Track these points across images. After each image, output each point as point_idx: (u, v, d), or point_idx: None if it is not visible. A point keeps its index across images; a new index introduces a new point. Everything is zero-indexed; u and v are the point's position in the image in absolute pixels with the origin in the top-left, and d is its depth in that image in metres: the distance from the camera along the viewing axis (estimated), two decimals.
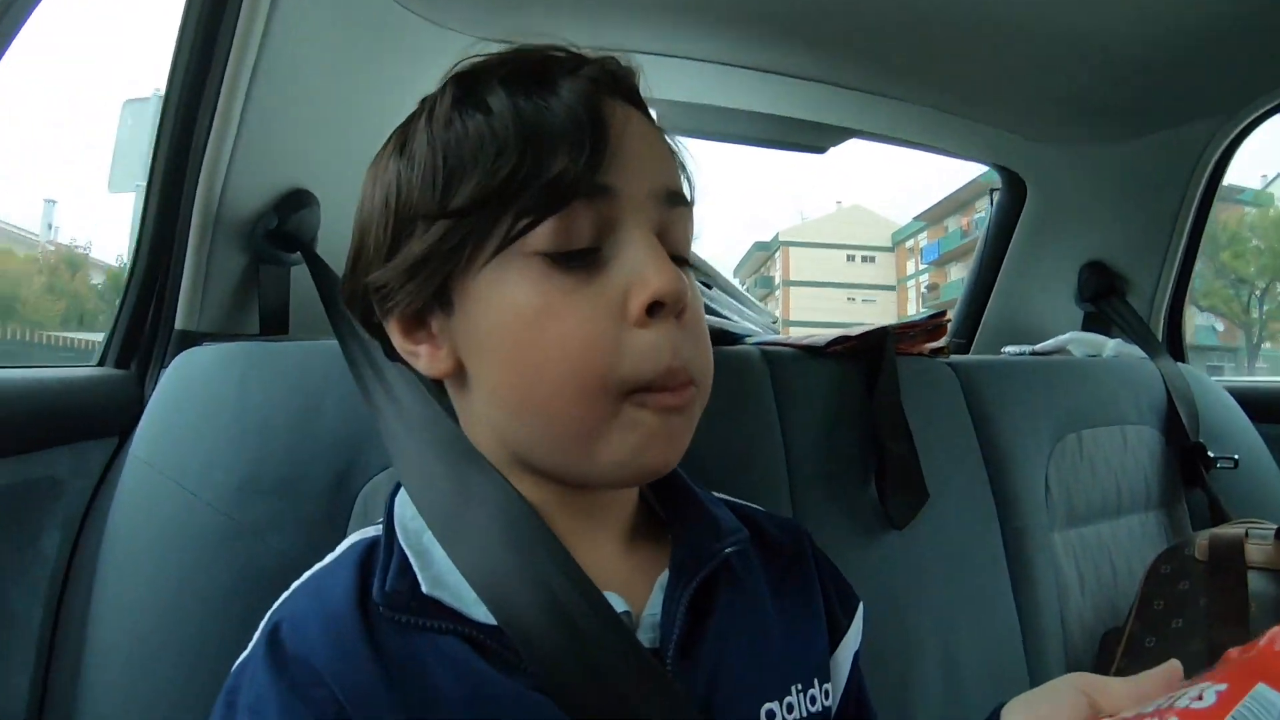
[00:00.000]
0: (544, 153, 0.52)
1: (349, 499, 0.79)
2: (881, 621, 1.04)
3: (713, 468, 0.98)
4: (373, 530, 0.61)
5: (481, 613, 0.53)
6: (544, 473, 0.58)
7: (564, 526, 0.58)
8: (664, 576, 0.59)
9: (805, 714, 0.62)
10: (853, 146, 1.65)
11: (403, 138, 0.58)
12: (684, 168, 0.60)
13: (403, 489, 0.61)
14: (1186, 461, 1.48)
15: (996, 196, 1.83)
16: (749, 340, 1.22)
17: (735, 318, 1.27)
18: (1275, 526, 1.19)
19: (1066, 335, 1.61)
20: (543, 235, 0.52)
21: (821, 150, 1.73)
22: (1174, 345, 1.82)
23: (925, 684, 1.06)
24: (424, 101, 0.59)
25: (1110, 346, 1.62)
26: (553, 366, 0.52)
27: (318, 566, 0.59)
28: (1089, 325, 1.75)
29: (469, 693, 0.51)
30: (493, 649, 0.53)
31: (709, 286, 1.28)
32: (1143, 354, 1.64)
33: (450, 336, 0.57)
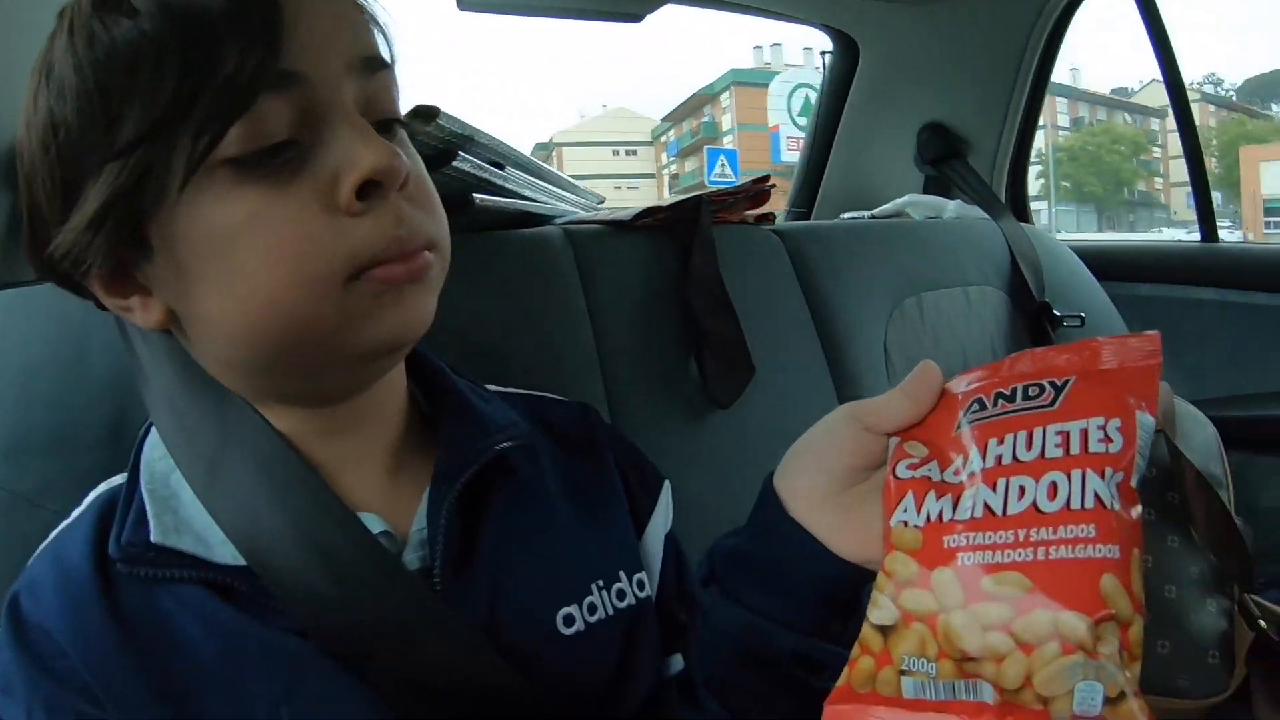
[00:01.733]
0: (210, 50, 0.47)
1: (128, 447, 0.73)
2: (713, 505, 1.03)
3: (515, 361, 0.95)
4: (119, 477, 0.59)
5: (229, 554, 0.52)
6: (292, 396, 0.56)
7: (323, 454, 0.57)
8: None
9: (612, 611, 0.61)
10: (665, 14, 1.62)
11: (47, 64, 0.52)
12: (377, 23, 0.56)
13: (153, 428, 0.59)
14: (1032, 321, 1.54)
15: (828, 60, 1.84)
16: (555, 221, 1.18)
17: (543, 198, 1.23)
18: None
19: (904, 198, 1.64)
20: (231, 142, 0.48)
21: (638, 18, 1.69)
22: (1016, 206, 1.88)
23: None
24: (61, 14, 0.52)
25: (951, 208, 1.66)
26: (269, 280, 0.49)
27: (61, 526, 0.58)
28: (930, 188, 1.79)
29: (220, 644, 0.51)
30: (244, 593, 0.52)
31: (500, 166, 1.23)
32: (984, 215, 1.68)
33: (160, 283, 0.53)
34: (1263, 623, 1.05)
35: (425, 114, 0.86)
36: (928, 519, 0.44)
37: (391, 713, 0.52)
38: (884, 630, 0.43)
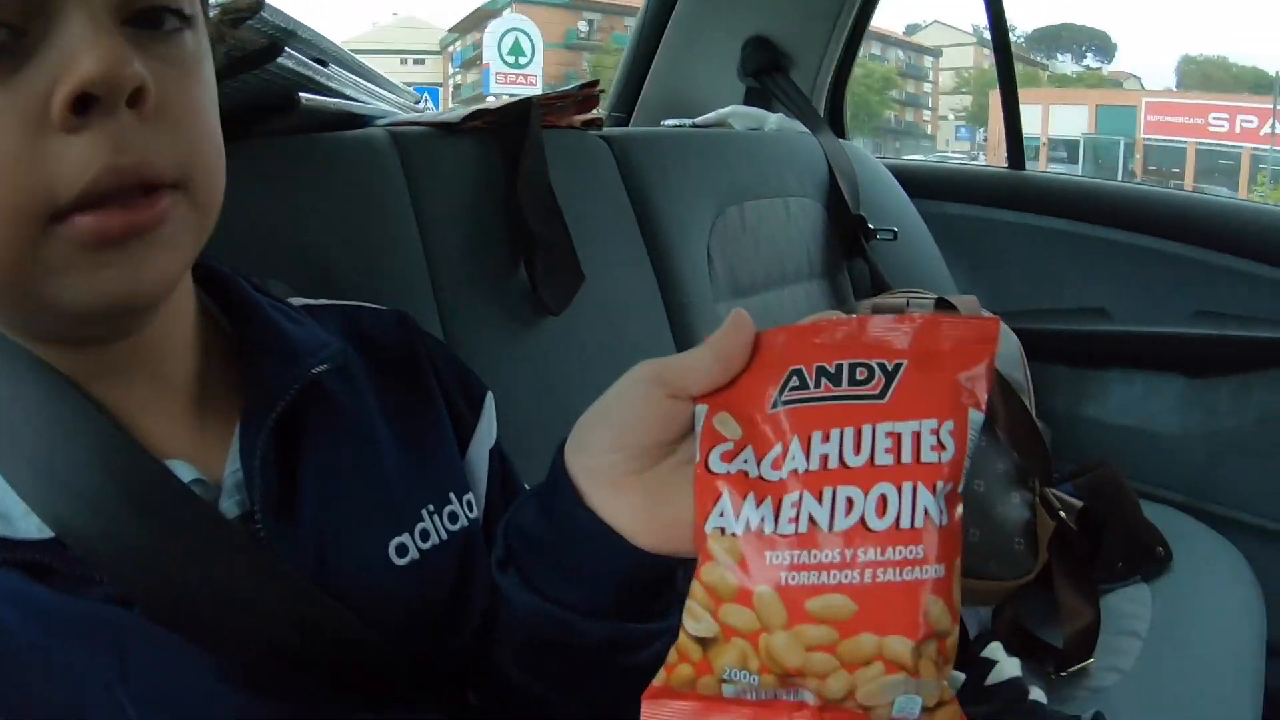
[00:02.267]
0: None
1: None
2: (544, 414, 1.05)
3: (339, 269, 0.93)
4: None
5: (34, 526, 0.47)
6: (48, 335, 0.49)
7: (115, 396, 0.51)
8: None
9: (445, 535, 0.59)
10: None
11: None
12: None
13: None
14: (847, 233, 1.64)
15: None
16: (379, 122, 1.14)
17: (364, 98, 1.19)
18: (933, 296, 1.36)
19: (727, 109, 1.68)
20: None
21: None
22: (835, 122, 1.96)
23: None
24: None
25: (772, 121, 1.71)
26: None
27: None
28: (750, 100, 1.83)
29: (39, 628, 0.45)
30: (56, 568, 0.47)
31: (323, 64, 1.18)
32: (804, 129, 1.74)
33: None
34: (1062, 513, 1.18)
35: (248, 7, 0.78)
36: (747, 528, 0.41)
37: (232, 672, 0.48)
38: (703, 642, 0.41)
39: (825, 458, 0.40)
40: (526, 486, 0.70)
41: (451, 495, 0.61)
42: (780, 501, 0.41)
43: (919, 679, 0.38)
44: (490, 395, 0.70)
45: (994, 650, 0.98)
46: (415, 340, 0.67)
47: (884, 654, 0.38)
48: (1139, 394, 1.73)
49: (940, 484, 0.39)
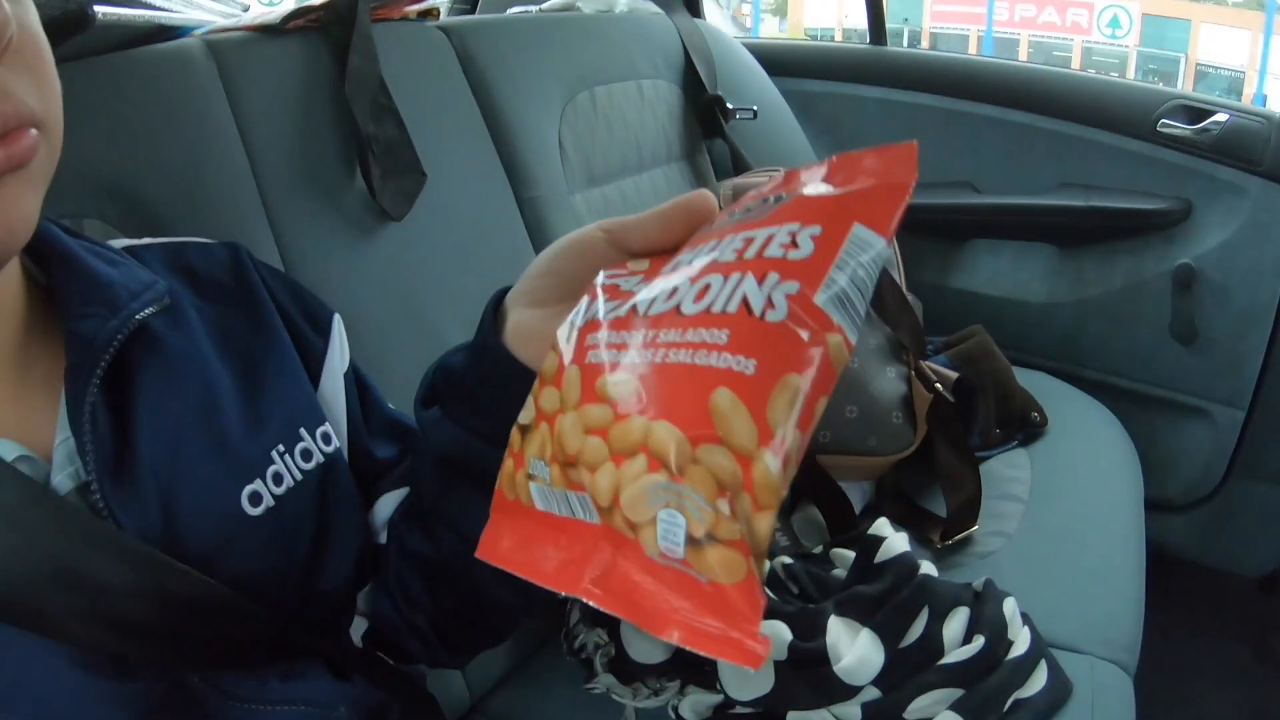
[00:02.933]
0: None
1: None
2: (398, 324, 1.03)
3: (160, 202, 0.86)
4: None
5: None
6: None
7: None
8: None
9: (300, 475, 0.58)
10: None
11: None
12: None
13: None
14: (705, 113, 1.62)
15: None
16: (195, 33, 1.05)
17: (176, 7, 1.09)
18: None
19: None
20: None
21: None
22: (689, 1, 1.90)
23: None
24: None
25: (622, 3, 1.66)
26: None
27: None
28: None
29: None
30: None
31: None
32: (657, 9, 1.71)
33: None
34: (938, 385, 1.20)
35: None
36: (588, 319, 0.41)
37: (91, 659, 0.47)
38: (523, 430, 0.41)
39: (678, 263, 0.40)
40: (388, 405, 0.71)
41: (302, 431, 0.60)
42: (620, 299, 0.40)
43: (681, 484, 0.32)
44: (338, 318, 0.68)
45: (881, 526, 0.99)
46: (248, 272, 0.65)
47: (649, 443, 0.34)
48: (1008, 264, 1.79)
49: (774, 275, 0.34)
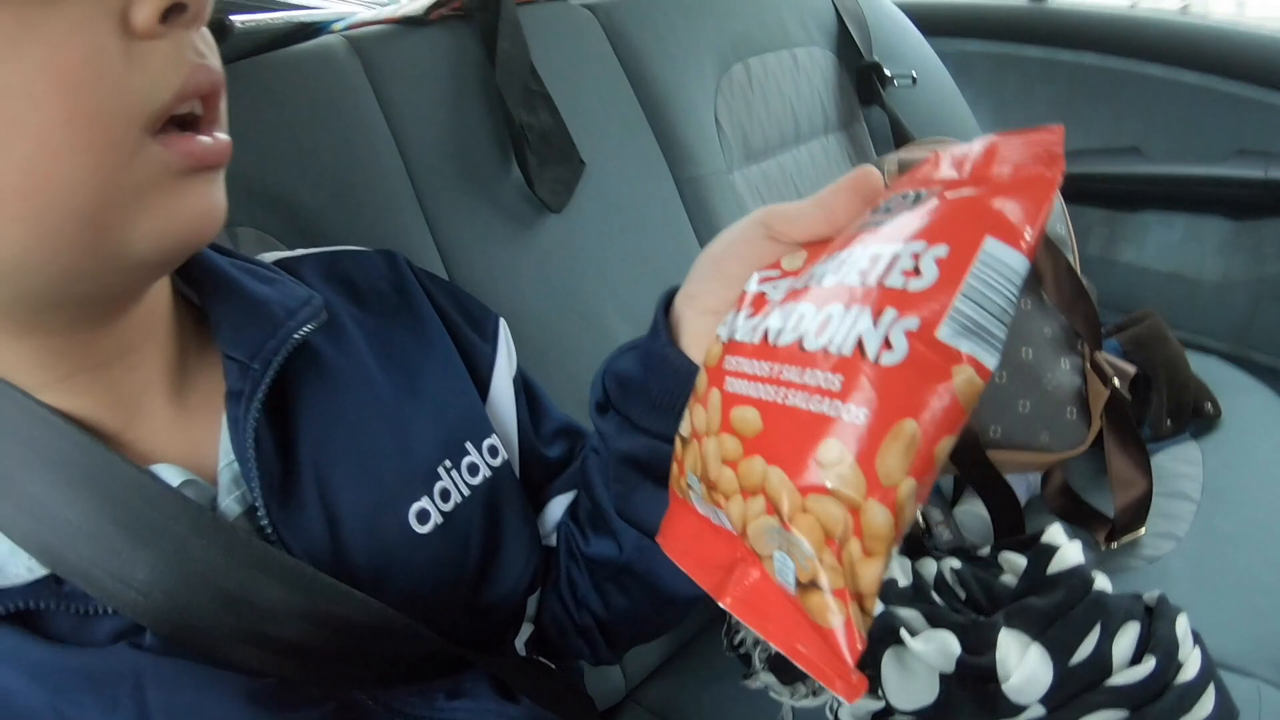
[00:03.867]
0: None
1: None
2: (561, 319, 1.03)
3: (313, 206, 0.87)
4: None
5: (23, 566, 0.44)
6: (31, 319, 0.45)
7: (85, 400, 0.47)
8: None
9: (468, 491, 0.58)
10: None
11: None
12: None
13: None
14: (862, 81, 1.56)
15: None
16: (335, 28, 1.06)
17: (313, 3, 1.10)
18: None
19: None
20: None
21: None
22: None
23: None
24: None
25: None
26: (39, 116, 0.38)
27: None
28: None
29: (46, 690, 0.43)
30: (54, 614, 0.44)
31: None
32: None
33: None
34: (1116, 380, 1.15)
35: None
36: (730, 335, 0.41)
37: (259, 690, 0.47)
38: (683, 441, 0.43)
39: (812, 274, 0.39)
40: (551, 405, 0.70)
41: (468, 445, 0.59)
42: (760, 315, 0.40)
43: (791, 533, 0.33)
44: (503, 322, 0.68)
45: (1054, 534, 0.96)
46: (408, 280, 0.64)
47: (766, 487, 0.35)
48: (1178, 237, 1.70)
49: (891, 312, 0.33)
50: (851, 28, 1.55)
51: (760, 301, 0.41)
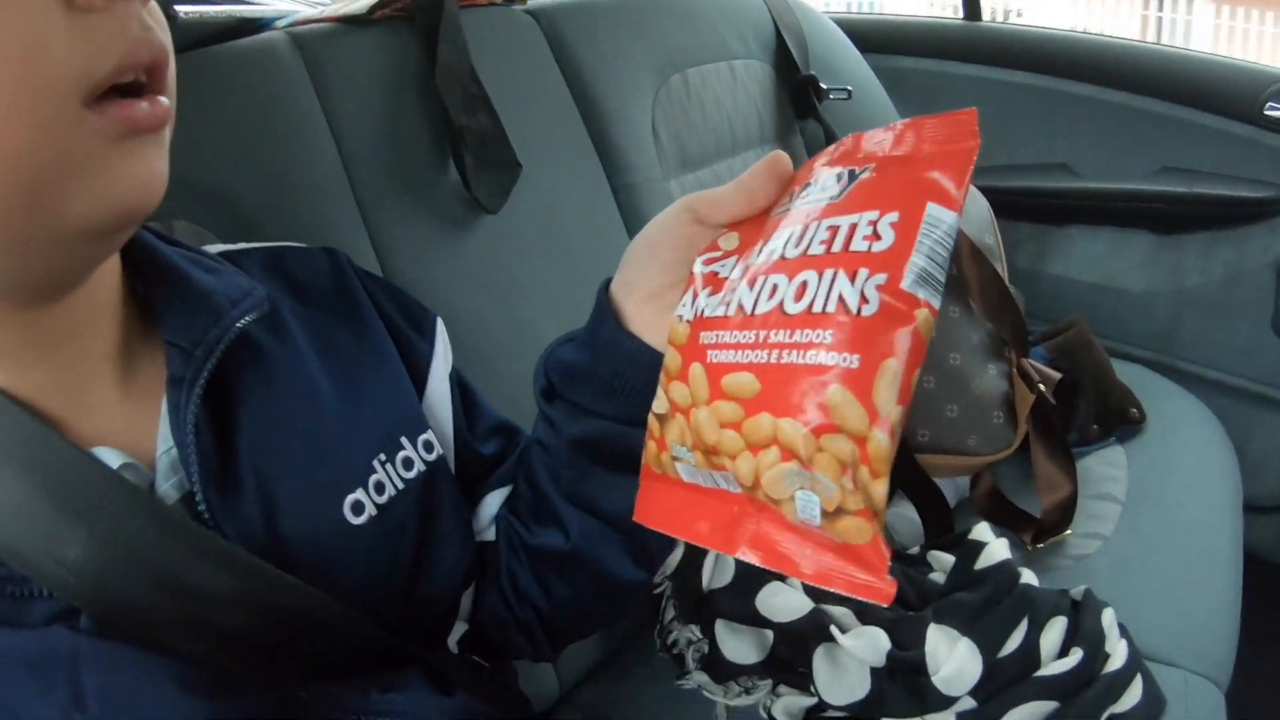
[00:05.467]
0: None
1: None
2: (494, 320, 1.03)
3: (251, 201, 0.87)
4: None
5: None
6: None
7: (32, 381, 0.47)
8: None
9: (402, 485, 0.58)
10: None
11: None
12: None
13: None
14: (798, 94, 1.59)
15: None
16: (278, 25, 1.06)
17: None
18: None
19: None
20: None
21: None
22: None
23: None
24: None
25: None
26: None
27: None
28: None
29: None
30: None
31: None
32: None
33: None
34: (1041, 386, 1.17)
35: None
36: (696, 313, 0.46)
37: (195, 676, 0.47)
38: (660, 419, 0.46)
39: (771, 252, 0.43)
40: (485, 403, 0.71)
41: (403, 440, 0.60)
42: (723, 291, 0.45)
43: (812, 472, 0.38)
44: (440, 321, 0.69)
45: (981, 531, 0.97)
46: (349, 277, 0.65)
47: (779, 437, 0.39)
48: (1105, 251, 1.74)
49: (864, 271, 0.38)
50: (789, 42, 1.58)
51: (714, 280, 0.46)
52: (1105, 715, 0.85)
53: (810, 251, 0.41)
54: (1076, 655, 0.87)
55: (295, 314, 0.60)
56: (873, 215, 0.40)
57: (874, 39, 1.86)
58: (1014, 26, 1.85)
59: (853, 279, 0.38)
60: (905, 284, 0.37)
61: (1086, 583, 0.96)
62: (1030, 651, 0.87)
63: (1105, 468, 1.27)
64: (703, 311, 0.45)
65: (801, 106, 1.59)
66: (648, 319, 0.53)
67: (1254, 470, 1.45)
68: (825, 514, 0.38)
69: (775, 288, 0.41)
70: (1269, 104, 1.55)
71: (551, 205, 1.13)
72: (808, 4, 1.78)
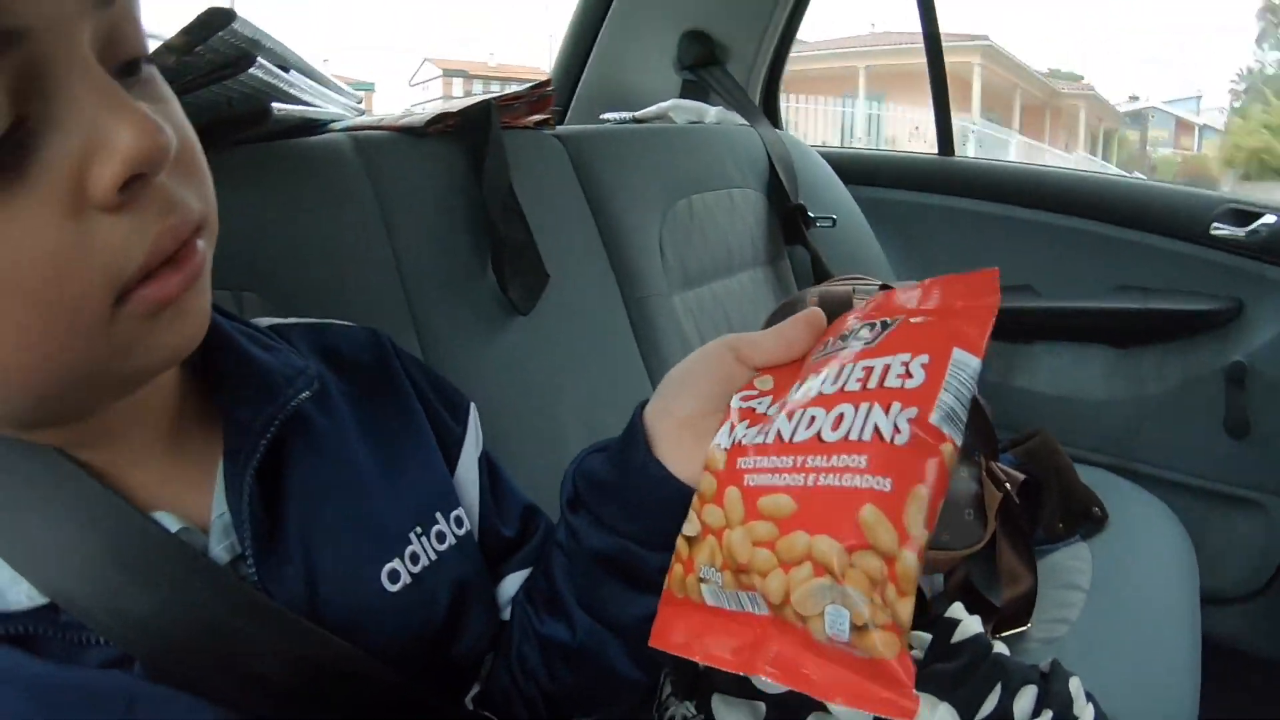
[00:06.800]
0: None
1: None
2: (525, 415, 1.10)
3: (310, 283, 0.94)
4: None
5: (23, 594, 0.46)
6: (49, 423, 0.48)
7: (101, 455, 0.50)
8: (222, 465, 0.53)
9: (435, 556, 0.60)
10: None
11: None
12: None
13: None
14: (788, 220, 1.71)
15: None
16: (335, 126, 1.14)
17: (317, 101, 1.20)
18: (877, 282, 1.42)
19: (668, 102, 1.72)
20: None
21: None
22: (770, 113, 2.03)
23: None
24: None
25: (712, 114, 1.77)
26: (8, 319, 0.39)
27: None
28: (686, 93, 1.89)
29: (41, 707, 0.44)
30: (50, 638, 0.46)
31: (285, 69, 1.18)
32: (742, 121, 1.81)
33: None
34: (1007, 485, 1.26)
35: (221, 19, 0.81)
36: (735, 443, 0.48)
37: (235, 716, 0.49)
38: (690, 541, 0.48)
39: (808, 390, 0.46)
40: (513, 485, 0.73)
41: (438, 515, 0.62)
42: (762, 424, 0.47)
43: (844, 587, 0.39)
44: (474, 406, 0.72)
45: (956, 610, 1.04)
46: (390, 357, 0.67)
47: (813, 554, 0.41)
48: (1067, 364, 1.83)
49: (897, 405, 0.41)
50: (781, 173, 1.70)
51: (751, 415, 0.49)
52: None
53: (847, 388, 0.44)
54: (1047, 716, 0.92)
55: (340, 390, 0.62)
56: (905, 357, 0.43)
57: (856, 172, 1.99)
58: (983, 161, 1.99)
59: (887, 410, 0.41)
60: (934, 419, 0.41)
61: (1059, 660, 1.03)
62: (1005, 715, 0.91)
63: (1071, 561, 1.33)
64: (740, 440, 0.47)
65: (791, 232, 1.70)
66: (679, 445, 0.53)
67: (1211, 563, 1.50)
68: (855, 628, 0.39)
69: (813, 419, 0.44)
70: (1214, 224, 1.67)
71: (573, 312, 1.21)
72: (798, 139, 1.91)
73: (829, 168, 1.88)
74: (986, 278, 0.45)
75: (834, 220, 1.73)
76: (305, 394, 0.56)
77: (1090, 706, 0.97)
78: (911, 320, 0.46)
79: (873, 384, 0.43)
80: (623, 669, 0.61)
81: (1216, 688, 1.20)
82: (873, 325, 0.47)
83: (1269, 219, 1.65)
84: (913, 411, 0.41)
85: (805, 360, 0.51)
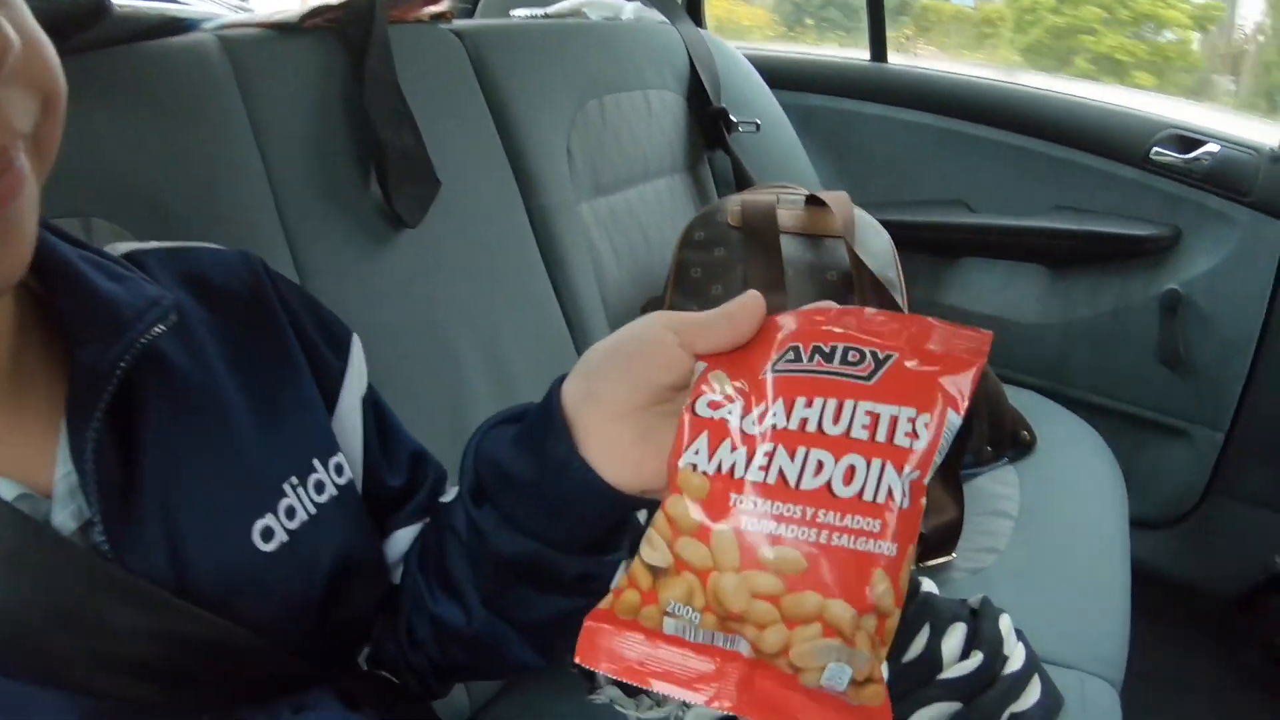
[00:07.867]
0: None
1: None
2: (415, 344, 1.02)
3: (173, 198, 0.85)
4: None
5: None
6: None
7: None
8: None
9: (314, 509, 0.55)
10: None
11: None
12: None
13: None
14: (709, 125, 1.63)
15: None
16: (204, 26, 1.03)
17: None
18: (804, 192, 1.35)
19: None
20: None
21: None
22: (693, 11, 1.93)
23: (476, 398, 1.06)
24: None
25: (629, 10, 1.68)
26: None
27: None
28: None
29: None
30: None
31: None
32: (662, 18, 1.71)
33: None
34: None
35: None
36: (719, 469, 0.43)
37: (98, 706, 0.44)
38: (655, 571, 0.43)
39: (805, 420, 0.43)
40: (401, 429, 0.67)
41: (315, 462, 0.56)
42: (754, 451, 0.43)
43: (853, 649, 0.39)
44: (357, 338, 0.65)
45: None
46: (264, 285, 0.60)
47: (825, 616, 0.40)
48: (999, 283, 1.81)
49: (908, 469, 0.41)
50: (702, 74, 1.62)
51: (722, 428, 0.44)
52: (1006, 714, 0.88)
53: (853, 434, 0.42)
54: (977, 658, 0.90)
55: (205, 323, 0.55)
56: (910, 413, 0.42)
57: (784, 76, 1.91)
58: (919, 69, 1.92)
59: (899, 472, 0.41)
60: (928, 480, 0.41)
61: (983, 593, 0.99)
62: (933, 656, 0.90)
63: (998, 486, 1.31)
64: (731, 469, 0.43)
65: (711, 137, 1.63)
66: (609, 442, 0.48)
67: (1140, 489, 1.52)
68: (854, 682, 0.40)
69: (821, 464, 0.42)
70: (1154, 149, 1.65)
71: (468, 223, 1.13)
72: (721, 40, 1.82)
73: (755, 71, 1.81)
74: (980, 339, 0.45)
75: (758, 125, 1.66)
76: (159, 328, 0.49)
77: (1020, 645, 0.94)
78: (906, 364, 0.44)
79: (881, 436, 0.42)
80: (521, 657, 0.59)
81: (1143, 612, 1.19)
82: (858, 353, 0.45)
83: (1212, 147, 1.62)
84: (915, 474, 0.41)
85: (757, 358, 0.46)
